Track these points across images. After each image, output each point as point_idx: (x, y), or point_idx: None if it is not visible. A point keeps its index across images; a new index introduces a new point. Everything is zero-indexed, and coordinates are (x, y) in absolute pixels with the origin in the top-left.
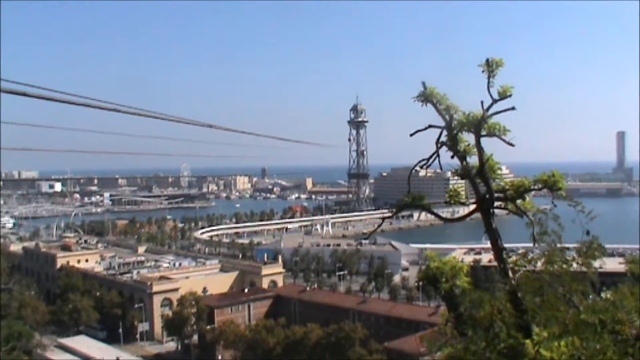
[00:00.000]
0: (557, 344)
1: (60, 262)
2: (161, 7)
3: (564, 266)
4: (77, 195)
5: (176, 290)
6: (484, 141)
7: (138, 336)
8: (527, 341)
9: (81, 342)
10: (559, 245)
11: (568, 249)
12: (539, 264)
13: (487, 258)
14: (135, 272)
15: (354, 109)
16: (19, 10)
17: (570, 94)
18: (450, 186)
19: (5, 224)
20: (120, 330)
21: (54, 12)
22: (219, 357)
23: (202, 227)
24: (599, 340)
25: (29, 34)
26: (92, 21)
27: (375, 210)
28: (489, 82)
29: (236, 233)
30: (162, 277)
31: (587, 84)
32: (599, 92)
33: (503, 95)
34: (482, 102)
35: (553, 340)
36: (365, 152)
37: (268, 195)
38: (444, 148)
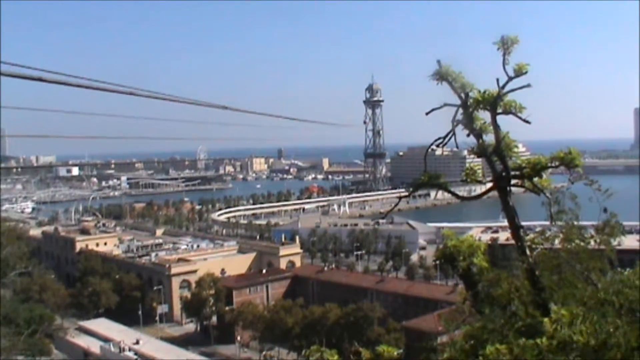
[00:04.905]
0: (575, 322)
1: (79, 246)
2: None
3: (582, 244)
4: (95, 179)
5: (194, 272)
6: (500, 119)
7: (157, 318)
8: (545, 319)
9: (101, 325)
10: (576, 223)
11: (585, 227)
12: (557, 241)
13: (504, 236)
14: (153, 254)
15: (370, 89)
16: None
17: (587, 70)
18: (467, 165)
19: (24, 208)
20: (140, 312)
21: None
22: (238, 338)
23: (220, 209)
24: (614, 320)
25: (38, 21)
26: (98, 7)
27: (392, 189)
28: (504, 60)
29: (253, 214)
30: (180, 259)
31: (604, 60)
32: (617, 68)
33: (519, 73)
34: (497, 80)
35: (571, 318)
36: (381, 132)
37: (285, 176)
38: (460, 126)
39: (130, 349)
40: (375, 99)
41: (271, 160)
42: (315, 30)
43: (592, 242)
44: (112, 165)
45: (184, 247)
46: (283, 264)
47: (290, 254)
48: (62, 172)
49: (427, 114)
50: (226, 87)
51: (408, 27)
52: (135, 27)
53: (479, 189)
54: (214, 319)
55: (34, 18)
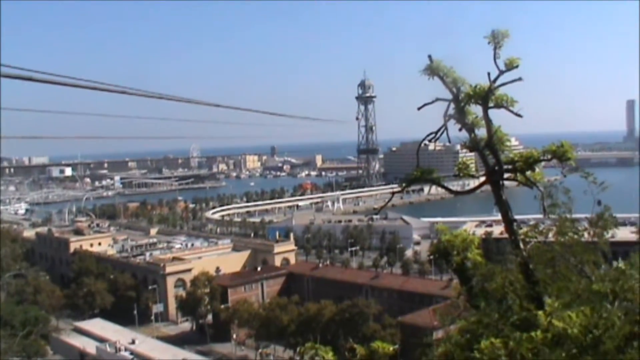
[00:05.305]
0: (569, 314)
1: (73, 247)
2: None
3: (575, 237)
4: (88, 180)
5: (189, 270)
6: (492, 113)
7: (153, 317)
8: (540, 312)
9: (97, 325)
10: (569, 216)
11: (578, 220)
12: (550, 235)
13: (498, 230)
14: (148, 254)
15: (362, 85)
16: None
17: (579, 62)
18: (460, 159)
19: (17, 210)
20: (135, 312)
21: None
22: (234, 336)
23: (213, 207)
24: (608, 310)
25: (38, 21)
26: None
27: (385, 185)
28: (495, 54)
29: (247, 212)
30: (174, 258)
31: (596, 52)
32: (609, 60)
33: (510, 67)
34: (488, 74)
35: (565, 310)
36: (374, 128)
37: (278, 173)
38: (452, 121)
39: (126, 349)
40: (368, 94)
41: (264, 157)
42: (311, 28)
43: (586, 235)
44: (105, 165)
45: (178, 246)
46: (278, 262)
47: (285, 251)
48: (55, 172)
49: (419, 109)
50: (223, 86)
51: (402, 24)
52: (135, 27)
53: (472, 183)
54: (210, 317)
55: (34, 18)
